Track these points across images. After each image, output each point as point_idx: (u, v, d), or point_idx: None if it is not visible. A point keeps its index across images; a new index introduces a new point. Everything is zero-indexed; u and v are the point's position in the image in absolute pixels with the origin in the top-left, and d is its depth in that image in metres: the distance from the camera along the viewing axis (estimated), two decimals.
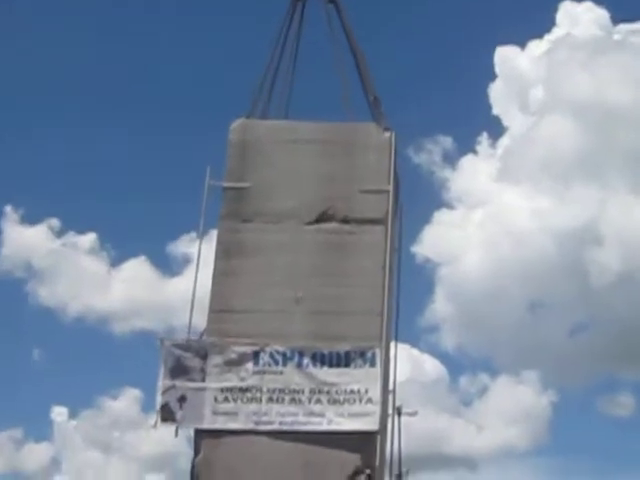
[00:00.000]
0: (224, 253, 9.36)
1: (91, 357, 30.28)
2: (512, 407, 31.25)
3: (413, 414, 9.27)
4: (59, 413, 28.54)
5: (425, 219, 26.11)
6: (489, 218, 31.50)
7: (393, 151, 9.74)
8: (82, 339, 30.80)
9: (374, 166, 9.63)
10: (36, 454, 29.25)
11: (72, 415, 28.81)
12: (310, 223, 9.47)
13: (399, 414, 9.28)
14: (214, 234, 9.98)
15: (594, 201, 28.11)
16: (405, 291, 10.10)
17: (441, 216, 31.00)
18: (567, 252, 28.16)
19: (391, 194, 9.49)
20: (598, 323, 30.49)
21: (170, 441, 8.53)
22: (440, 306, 29.89)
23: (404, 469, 8.84)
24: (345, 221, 9.40)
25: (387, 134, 9.78)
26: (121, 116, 33.75)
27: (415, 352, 23.82)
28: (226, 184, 9.60)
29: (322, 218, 9.46)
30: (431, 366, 28.39)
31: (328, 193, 9.59)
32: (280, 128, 10.14)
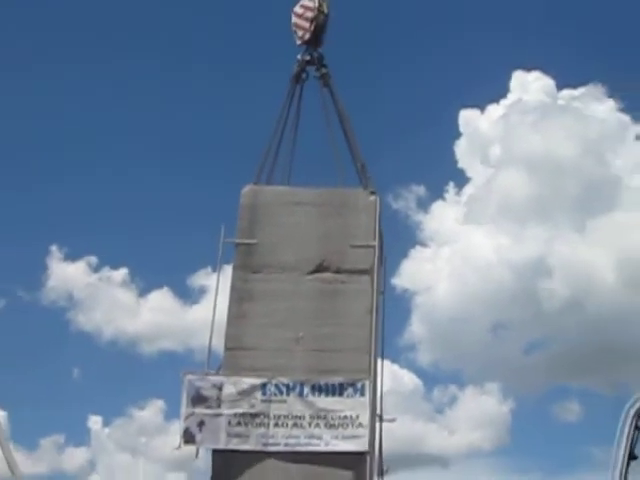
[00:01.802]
0: (237, 299, 9.66)
1: (122, 374, 32.43)
2: (477, 414, 33.68)
3: (393, 420, 9.48)
4: (95, 421, 30.82)
5: (403, 255, 28.70)
6: (456, 254, 34.06)
7: (378, 212, 10.07)
8: (114, 358, 33.13)
9: (362, 225, 9.93)
10: (75, 457, 31.59)
11: (106, 423, 31.12)
12: (309, 273, 9.77)
13: (381, 420, 9.68)
14: (225, 269, 10.21)
15: (544, 239, 30.82)
16: (387, 316, 10.54)
17: (416, 253, 33.53)
18: (522, 282, 30.83)
19: (376, 248, 9.78)
20: (549, 342, 32.75)
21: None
22: (416, 328, 32.31)
23: (385, 467, 9.24)
24: (338, 271, 9.73)
25: (372, 198, 10.13)
26: (152, 164, 36.13)
27: (395, 367, 25.92)
28: (238, 240, 9.92)
29: (318, 269, 9.77)
30: (408, 379, 30.41)
31: (324, 248, 9.88)
32: (283, 193, 10.45)
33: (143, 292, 38.86)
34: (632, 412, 7.94)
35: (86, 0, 36.86)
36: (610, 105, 34.44)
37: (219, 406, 9.06)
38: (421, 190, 37.44)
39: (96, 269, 37.75)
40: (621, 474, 7.81)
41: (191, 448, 9.05)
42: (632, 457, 7.93)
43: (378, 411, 9.77)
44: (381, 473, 9.97)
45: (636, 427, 7.99)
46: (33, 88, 37.49)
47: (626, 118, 34.51)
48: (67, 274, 36.77)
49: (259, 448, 8.81)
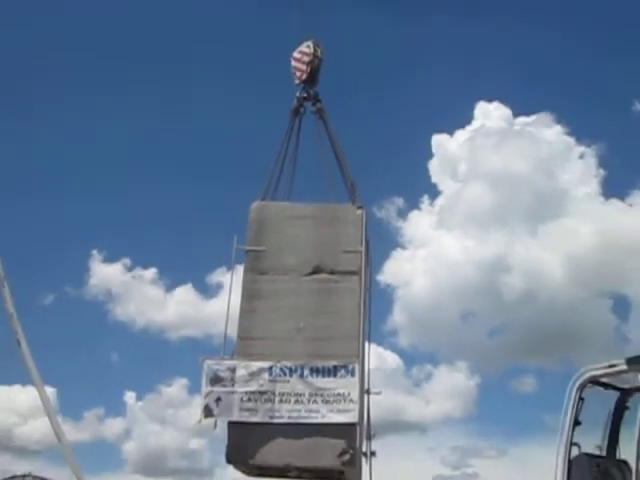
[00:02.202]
0: (247, 297, 10.22)
1: (152, 356, 36.38)
2: (449, 388, 37.53)
3: (378, 393, 10.16)
4: (129, 396, 33.87)
5: (386, 256, 32.63)
6: (430, 255, 38.12)
7: (364, 223, 10.56)
8: (146, 344, 37.11)
9: (351, 234, 10.46)
10: (113, 427, 34.58)
11: (139, 398, 34.38)
12: (307, 275, 10.35)
13: (368, 393, 10.55)
14: (237, 269, 10.68)
15: (503, 242, 34.90)
16: (373, 307, 11.18)
17: (397, 254, 37.35)
18: (486, 277, 34.53)
19: (363, 253, 10.25)
20: (509, 327, 36.65)
21: None
22: (397, 317, 35.92)
23: (372, 432, 9.88)
24: (332, 273, 10.32)
25: (360, 211, 10.64)
26: (179, 181, 40.10)
27: (380, 349, 28.69)
28: (248, 248, 10.45)
29: (315, 271, 10.35)
30: (391, 359, 33.43)
31: (319, 253, 10.46)
32: (285, 208, 10.97)
33: (169, 288, 41.14)
34: (577, 384, 8.05)
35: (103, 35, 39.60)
36: (557, 129, 38.52)
37: (233, 385, 9.64)
38: (400, 201, 41.52)
39: (130, 269, 41.07)
40: (567, 437, 7.93)
41: (210, 420, 9.61)
42: (577, 423, 8.02)
43: (366, 387, 10.18)
44: (369, 438, 10.75)
45: (580, 398, 8.05)
46: (71, 116, 40.67)
47: (571, 140, 36.97)
48: (106, 273, 38.95)
49: (266, 420, 9.43)
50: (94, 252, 40.18)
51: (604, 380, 8.16)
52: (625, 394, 8.36)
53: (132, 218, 42.38)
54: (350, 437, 9.39)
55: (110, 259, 40.37)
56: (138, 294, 41.80)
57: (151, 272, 40.81)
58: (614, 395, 8.48)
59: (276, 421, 9.43)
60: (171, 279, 42.80)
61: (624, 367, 7.48)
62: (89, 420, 36.01)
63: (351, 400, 9.42)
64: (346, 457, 9.24)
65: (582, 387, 7.94)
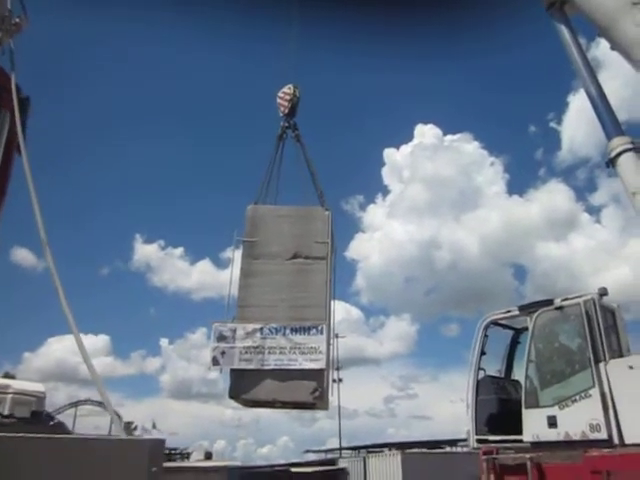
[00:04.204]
0: (244, 275, 10.84)
1: (180, 312, 40.98)
2: (397, 333, 42.50)
3: (344, 337, 11.38)
4: (164, 341, 37.24)
5: (351, 238, 36.72)
6: (384, 236, 42.85)
7: (330, 221, 11.27)
8: (176, 303, 42.01)
9: (320, 229, 11.12)
10: (152, 364, 38.31)
11: (170, 342, 37.61)
12: (288, 259, 10.90)
13: (337, 337, 11.12)
14: (237, 254, 11.17)
15: (435, 226, 39.56)
16: (341, 275, 11.81)
17: (359, 236, 42.07)
18: (423, 252, 39.15)
19: (329, 244, 11.04)
20: (439, 288, 41.71)
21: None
22: (359, 282, 40.50)
23: (340, 365, 11.09)
24: (307, 258, 10.94)
25: (327, 212, 11.37)
26: (206, 189, 44.91)
27: (347, 305, 32.47)
28: (244, 239, 11.11)
29: (294, 257, 10.96)
30: (355, 312, 37.79)
31: (297, 243, 10.99)
32: (273, 209, 11.49)
33: (193, 262, 49.41)
34: (483, 325, 8.81)
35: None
36: (475, 144, 44.24)
37: (234, 342, 10.34)
38: (361, 198, 46.34)
39: (163, 248, 47.46)
40: (475, 364, 8.67)
41: (217, 367, 10.45)
42: (483, 353, 8.78)
43: (336, 333, 11.25)
44: (337, 369, 12.09)
45: (485, 335, 8.84)
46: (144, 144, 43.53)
47: (484, 152, 45.48)
48: (146, 251, 46.97)
49: (258, 367, 10.20)
50: (137, 236, 46.33)
51: (502, 322, 9.10)
52: (518, 333, 9.23)
53: (165, 212, 47.81)
54: (320, 379, 10.17)
55: (149, 241, 45.81)
56: (170, 266, 47.38)
57: (179, 250, 47.31)
58: (510, 333, 9.40)
59: (265, 368, 10.18)
60: (194, 255, 49.90)
61: (517, 312, 8.48)
62: (135, 359, 39.62)
63: (320, 352, 10.18)
64: (317, 393, 10.05)
65: (487, 327, 8.82)
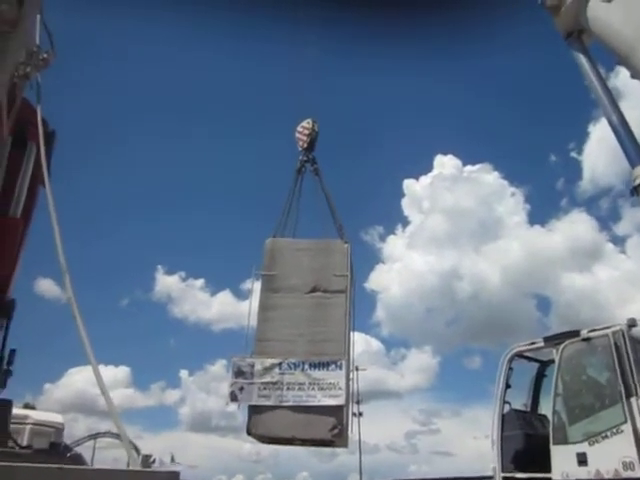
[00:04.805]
0: (263, 309, 10.80)
1: (200, 343, 41.51)
2: (418, 365, 41.86)
3: (364, 369, 11.04)
4: (184, 373, 37.57)
5: (371, 269, 37.07)
6: (404, 267, 42.66)
7: (349, 254, 11.22)
8: (196, 334, 42.42)
9: (339, 262, 11.10)
10: (172, 396, 38.62)
11: (190, 374, 37.58)
12: (307, 293, 10.87)
13: (357, 370, 10.57)
14: (256, 286, 11.11)
15: (456, 257, 39.32)
16: (361, 306, 11.87)
17: (379, 267, 42.19)
18: (444, 283, 38.95)
19: (348, 277, 10.96)
20: (460, 319, 41.01)
21: None
22: (379, 313, 40.48)
23: (360, 398, 10.85)
24: (325, 291, 10.86)
25: (346, 245, 11.34)
26: (227, 219, 46.44)
27: (367, 337, 32.24)
28: (263, 272, 11.09)
29: (313, 290, 10.91)
30: (375, 344, 37.33)
31: (316, 277, 10.99)
32: (291, 242, 11.49)
33: (213, 293, 50.06)
34: (507, 357, 8.63)
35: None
36: (495, 175, 44.16)
37: (252, 378, 10.29)
38: (381, 229, 46.53)
39: (184, 279, 48.26)
40: (501, 397, 8.49)
41: (235, 403, 10.33)
42: (508, 386, 8.60)
43: (355, 366, 10.76)
44: (358, 402, 11.89)
45: (510, 367, 8.67)
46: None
47: (505, 182, 45.82)
48: (167, 282, 47.54)
49: (277, 403, 10.11)
50: (159, 267, 47.23)
51: (527, 354, 8.93)
52: (543, 365, 9.03)
53: (186, 244, 49.36)
54: (339, 415, 10.07)
55: (170, 272, 46.70)
56: (190, 297, 48.08)
57: (200, 282, 48.07)
58: (535, 366, 9.19)
59: (284, 404, 10.08)
60: (215, 286, 51.01)
61: (542, 344, 8.33)
62: (154, 391, 39.91)
63: (339, 388, 10.10)
64: (336, 431, 9.95)
65: (511, 359, 8.68)
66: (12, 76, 4.92)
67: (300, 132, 12.47)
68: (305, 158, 12.37)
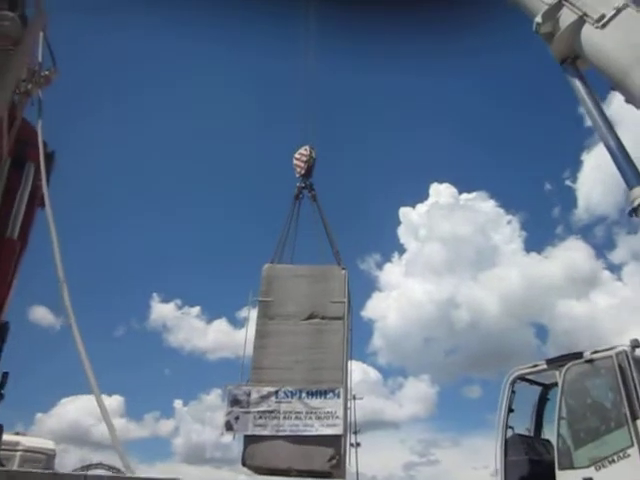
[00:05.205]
0: (259, 336, 10.66)
1: (195, 373, 40.88)
2: (416, 395, 41.03)
3: (361, 398, 11.02)
4: (178, 403, 36.50)
5: (368, 297, 36.88)
6: (400, 296, 42.40)
7: (346, 280, 11.16)
8: (191, 363, 41.54)
9: (336, 289, 11.01)
10: (166, 426, 37.51)
11: (185, 404, 37.03)
12: (304, 319, 10.83)
13: (354, 399, 10.87)
14: (253, 314, 11.07)
15: (453, 285, 39.33)
16: (358, 334, 11.98)
17: (376, 295, 41.98)
18: (442, 312, 38.79)
19: (346, 303, 10.88)
20: (459, 348, 40.65)
21: None
22: (377, 341, 40.20)
23: (358, 428, 10.57)
24: (323, 318, 10.80)
25: (343, 271, 11.31)
26: (219, 255, 46.34)
27: (364, 366, 31.90)
28: (260, 299, 10.99)
29: (310, 317, 10.84)
30: (373, 373, 36.76)
31: (313, 303, 10.95)
32: (288, 268, 11.53)
33: (209, 321, 49.10)
34: (510, 380, 8.36)
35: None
36: (491, 203, 44.80)
37: (248, 406, 10.14)
38: (378, 256, 46.70)
39: (180, 307, 47.67)
40: (503, 422, 8.21)
41: (231, 432, 10.09)
42: (510, 410, 8.34)
43: (353, 394, 10.87)
44: (355, 432, 11.61)
45: (512, 391, 8.39)
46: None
47: (501, 210, 48.40)
48: (163, 311, 46.55)
49: (273, 433, 9.95)
50: (154, 295, 46.67)
51: (530, 377, 8.65)
52: (546, 388, 8.79)
53: (182, 271, 49.07)
54: (337, 445, 9.96)
55: (166, 300, 46.41)
56: (186, 326, 47.36)
57: (196, 309, 47.54)
58: (538, 389, 8.91)
59: (281, 434, 9.94)
60: (211, 314, 50.75)
61: (544, 366, 8.09)
62: (148, 421, 39.10)
63: (337, 417, 10.02)
64: (334, 462, 9.82)
65: (513, 382, 8.41)
66: (13, 93, 4.92)
67: (298, 159, 12.54)
68: (303, 184, 12.43)
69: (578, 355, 7.43)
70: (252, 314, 11.07)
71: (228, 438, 10.35)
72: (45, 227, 5.72)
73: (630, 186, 6.72)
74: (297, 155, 12.61)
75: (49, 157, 6.46)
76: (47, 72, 5.19)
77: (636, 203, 6.53)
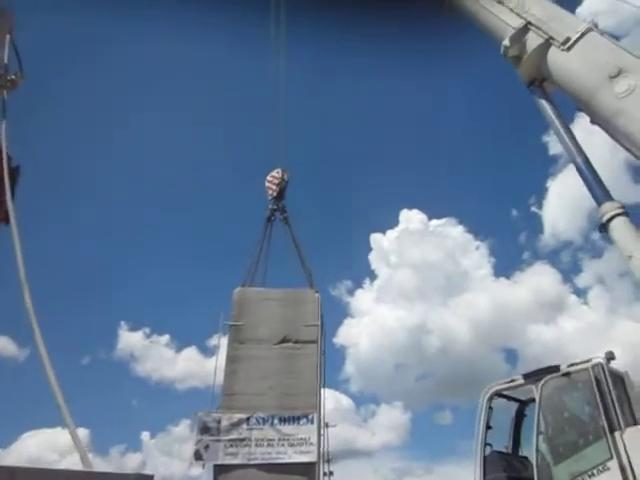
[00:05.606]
0: (230, 361, 10.50)
1: (164, 403, 40.03)
2: (389, 422, 41.28)
3: (334, 426, 10.87)
4: (145, 435, 35.63)
5: (339, 323, 39.18)
6: (372, 322, 43.37)
7: (319, 303, 11.11)
8: (159, 394, 40.81)
9: (309, 312, 10.97)
10: (133, 460, 36.67)
11: (152, 436, 36.17)
12: (276, 344, 10.74)
13: (327, 426, 10.42)
14: (224, 340, 10.88)
15: (424, 311, 40.44)
16: (330, 362, 11.56)
17: (347, 322, 43.10)
18: (413, 338, 39.84)
19: (319, 327, 10.80)
20: (430, 374, 41.32)
21: None
22: (348, 368, 40.87)
23: (330, 457, 10.26)
24: (296, 342, 10.74)
25: (316, 295, 11.26)
26: (186, 270, 45.42)
27: (336, 393, 32.18)
28: (231, 323, 10.85)
29: (283, 341, 10.78)
30: (345, 400, 36.89)
31: (286, 327, 10.87)
32: (260, 292, 11.34)
33: (178, 349, 48.02)
34: (487, 396, 8.25)
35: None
36: (460, 229, 45.88)
37: (219, 434, 9.94)
38: (349, 283, 47.59)
39: (148, 336, 46.48)
40: (482, 439, 8.10)
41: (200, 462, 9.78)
42: (488, 427, 8.25)
43: (325, 423, 10.56)
44: (328, 461, 11.44)
45: (490, 407, 8.29)
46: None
47: (470, 236, 44.63)
48: (130, 339, 45.28)
49: (245, 462, 9.76)
50: (122, 323, 45.58)
51: (507, 393, 8.52)
52: (523, 404, 8.71)
53: (150, 299, 48.12)
54: (310, 474, 9.75)
55: (134, 328, 45.23)
56: (154, 355, 46.56)
57: (165, 338, 46.60)
58: (515, 405, 8.80)
59: (252, 462, 9.74)
60: (180, 343, 49.47)
61: (521, 381, 7.97)
62: (113, 455, 37.76)
63: (311, 443, 9.88)
64: None
65: (491, 398, 8.29)
66: None
67: (270, 181, 12.50)
68: (275, 207, 12.38)
69: (555, 368, 7.43)
70: (223, 341, 10.86)
71: (197, 469, 9.98)
72: (9, 244, 5.50)
73: (599, 202, 6.91)
74: (269, 177, 12.59)
75: (13, 171, 6.26)
76: (14, 76, 5.06)
77: (604, 219, 6.70)
